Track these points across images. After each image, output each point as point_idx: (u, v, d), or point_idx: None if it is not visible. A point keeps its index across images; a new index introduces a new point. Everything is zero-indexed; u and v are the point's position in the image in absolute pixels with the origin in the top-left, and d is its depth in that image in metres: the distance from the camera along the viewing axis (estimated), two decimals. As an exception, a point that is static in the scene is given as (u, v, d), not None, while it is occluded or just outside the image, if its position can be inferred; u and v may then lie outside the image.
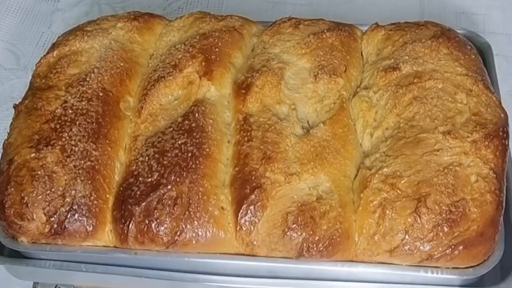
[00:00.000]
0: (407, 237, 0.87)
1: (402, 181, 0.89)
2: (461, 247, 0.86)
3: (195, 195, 0.90)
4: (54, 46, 1.09)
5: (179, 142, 0.94)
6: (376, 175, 0.90)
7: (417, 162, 0.90)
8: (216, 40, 1.07)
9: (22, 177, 0.92)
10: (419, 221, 0.86)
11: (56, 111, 0.98)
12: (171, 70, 1.03)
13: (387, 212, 0.88)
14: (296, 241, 0.88)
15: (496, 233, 0.88)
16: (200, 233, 0.90)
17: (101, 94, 1.01)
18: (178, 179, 0.91)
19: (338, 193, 0.91)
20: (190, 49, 1.05)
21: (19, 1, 1.46)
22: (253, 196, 0.89)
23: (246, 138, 0.95)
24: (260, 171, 0.91)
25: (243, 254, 0.91)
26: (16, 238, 0.93)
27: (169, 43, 1.10)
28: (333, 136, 0.96)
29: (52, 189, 0.92)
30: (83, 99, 0.99)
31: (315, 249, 0.88)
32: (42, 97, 1.00)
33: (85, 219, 0.91)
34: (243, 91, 1.00)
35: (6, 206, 0.92)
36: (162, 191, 0.90)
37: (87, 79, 1.02)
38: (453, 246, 0.86)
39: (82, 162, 0.94)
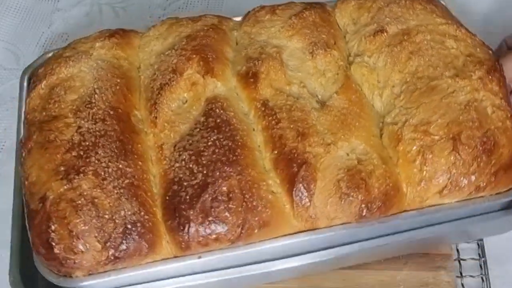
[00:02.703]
0: (452, 174, 0.92)
1: (432, 126, 0.94)
2: (501, 172, 0.93)
3: (246, 186, 0.90)
4: (38, 79, 1.04)
5: (212, 139, 0.94)
6: (405, 127, 0.95)
7: (439, 106, 0.96)
8: (205, 39, 1.07)
9: (63, 210, 0.88)
10: (459, 158, 0.92)
11: (74, 139, 0.94)
12: (171, 76, 1.02)
13: (428, 157, 0.93)
14: (355, 204, 0.91)
15: (524, 152, 0.96)
16: (260, 221, 0.90)
17: (111, 112, 0.98)
18: (224, 174, 0.91)
19: (375, 152, 0.95)
20: (183, 52, 1.05)
21: (19, 1, 1.45)
22: (302, 173, 0.91)
23: (273, 122, 0.96)
24: (300, 148, 0.93)
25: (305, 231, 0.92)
26: (71, 275, 0.88)
27: (153, 52, 1.09)
28: (350, 103, 1.00)
29: (99, 214, 0.88)
30: (97, 120, 0.96)
31: (374, 207, 0.91)
32: (52, 129, 0.96)
33: (141, 236, 0.88)
34: (252, 80, 1.01)
35: (54, 244, 0.87)
36: (212, 190, 0.90)
37: (93, 101, 0.98)
38: (494, 173, 0.93)
39: (120, 181, 0.91)
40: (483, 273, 1.04)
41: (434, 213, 0.94)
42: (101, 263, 0.88)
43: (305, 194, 0.91)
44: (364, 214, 0.91)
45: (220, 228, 0.89)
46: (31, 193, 0.92)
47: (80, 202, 0.88)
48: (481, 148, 0.93)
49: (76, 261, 0.87)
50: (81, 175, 0.90)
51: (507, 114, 0.96)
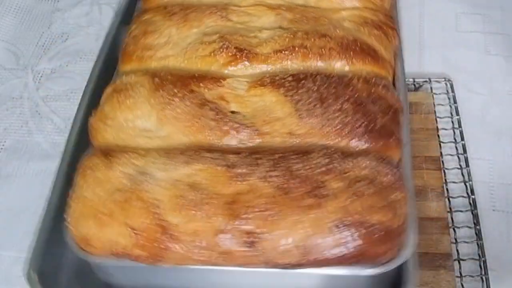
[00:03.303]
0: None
1: None
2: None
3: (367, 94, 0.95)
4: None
5: (309, 86, 0.95)
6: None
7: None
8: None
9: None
10: None
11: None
12: (192, 103, 0.94)
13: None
14: (393, 43, 1.04)
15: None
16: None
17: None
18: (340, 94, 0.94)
19: (356, 24, 1.04)
20: (166, 84, 0.96)
21: (19, 1, 1.48)
22: (365, 45, 1.00)
23: (303, 50, 0.99)
24: (335, 38, 1.00)
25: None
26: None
27: (137, 128, 0.94)
28: (296, 12, 1.05)
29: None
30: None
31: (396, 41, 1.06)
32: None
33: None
34: (243, 53, 1.00)
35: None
36: (356, 103, 0.93)
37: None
38: None
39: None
40: (483, 273, 1.01)
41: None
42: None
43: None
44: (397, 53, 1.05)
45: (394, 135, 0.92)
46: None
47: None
48: None
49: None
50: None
51: None
